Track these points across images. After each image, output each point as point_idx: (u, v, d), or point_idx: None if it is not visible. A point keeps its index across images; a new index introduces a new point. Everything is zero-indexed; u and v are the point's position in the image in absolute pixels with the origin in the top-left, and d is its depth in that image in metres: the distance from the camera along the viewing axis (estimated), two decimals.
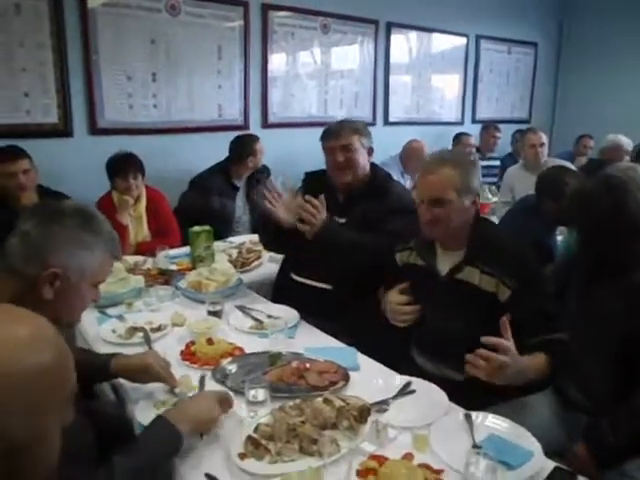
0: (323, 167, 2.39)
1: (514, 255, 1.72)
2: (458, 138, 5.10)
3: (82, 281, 1.29)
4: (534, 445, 1.33)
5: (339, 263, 2.11)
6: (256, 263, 2.72)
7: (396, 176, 4.00)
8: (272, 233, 2.28)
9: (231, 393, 1.53)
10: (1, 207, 2.78)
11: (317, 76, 4.67)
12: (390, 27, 5.00)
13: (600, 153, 4.55)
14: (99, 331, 1.94)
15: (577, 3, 6.27)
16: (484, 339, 1.43)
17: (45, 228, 1.26)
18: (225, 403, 1.41)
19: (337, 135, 2.23)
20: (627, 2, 5.72)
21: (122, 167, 3.06)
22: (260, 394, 1.46)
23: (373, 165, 2.36)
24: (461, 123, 5.80)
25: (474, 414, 1.45)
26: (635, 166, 1.69)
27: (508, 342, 1.45)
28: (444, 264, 1.81)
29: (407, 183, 4.20)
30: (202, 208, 3.36)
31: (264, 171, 3.77)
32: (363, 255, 2.06)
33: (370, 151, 2.30)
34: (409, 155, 4.46)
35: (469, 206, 1.75)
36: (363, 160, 2.26)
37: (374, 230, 2.09)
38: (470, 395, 1.51)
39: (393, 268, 1.99)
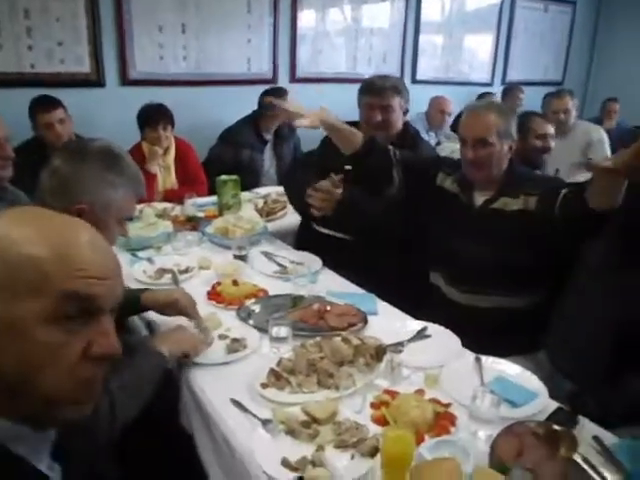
0: (348, 121, 2.42)
1: (542, 178, 1.97)
2: (482, 97, 5.02)
3: (107, 216, 1.38)
4: (540, 387, 1.40)
5: (357, 224, 2.19)
6: (281, 213, 2.79)
7: (422, 134, 4.01)
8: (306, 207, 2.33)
9: (255, 331, 1.64)
10: (40, 155, 2.88)
11: (346, 32, 4.62)
12: None
13: None
14: (131, 271, 2.04)
15: None
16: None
17: (72, 166, 1.35)
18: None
19: (380, 93, 2.26)
20: None
21: (152, 118, 3.12)
22: (283, 331, 1.55)
23: (405, 124, 2.40)
24: (490, 84, 5.70)
25: (484, 358, 1.52)
26: None
27: None
28: (478, 198, 1.93)
29: (432, 141, 4.20)
30: (232, 161, 3.41)
31: (291, 125, 3.80)
32: (379, 218, 2.13)
33: (405, 112, 2.34)
34: (435, 110, 4.49)
35: (507, 152, 1.88)
36: (398, 121, 2.32)
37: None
38: (483, 336, 1.57)
39: (430, 185, 2.06)
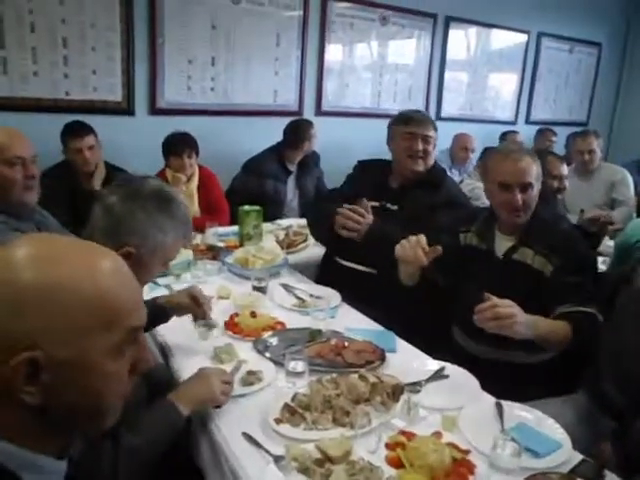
0: (373, 157, 2.47)
1: (563, 235, 1.89)
2: (505, 136, 5.02)
3: (153, 259, 1.38)
4: (563, 437, 1.35)
5: (386, 256, 2.16)
6: (302, 245, 2.79)
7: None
8: (330, 236, 2.35)
9: (271, 364, 1.63)
10: (68, 179, 2.96)
11: (372, 68, 4.69)
12: (449, 21, 4.96)
13: None
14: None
15: None
16: (486, 294, 1.56)
17: (126, 206, 1.34)
18: (226, 377, 1.45)
19: (422, 124, 2.31)
20: None
21: (177, 146, 3.18)
22: (299, 366, 1.53)
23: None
24: (514, 123, 5.71)
25: (505, 403, 1.48)
26: None
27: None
28: (500, 247, 1.92)
29: (455, 178, 4.20)
30: (255, 191, 3.44)
31: (314, 157, 3.84)
32: None
33: (434, 146, 2.38)
34: (458, 146, 4.53)
35: (537, 193, 1.89)
36: (434, 154, 2.36)
37: (424, 219, 2.14)
38: (505, 382, 1.54)
39: (454, 248, 2.03)
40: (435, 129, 2.35)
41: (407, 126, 2.30)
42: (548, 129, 5.33)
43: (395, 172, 2.39)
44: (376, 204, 2.24)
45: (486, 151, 3.93)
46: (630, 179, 3.79)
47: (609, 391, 1.65)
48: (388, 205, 2.30)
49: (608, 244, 2.84)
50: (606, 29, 6.10)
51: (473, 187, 3.44)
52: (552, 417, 1.49)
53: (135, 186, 1.40)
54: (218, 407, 1.41)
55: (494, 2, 5.09)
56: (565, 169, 2.95)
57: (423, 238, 1.80)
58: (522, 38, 5.55)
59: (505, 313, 1.52)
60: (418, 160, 2.29)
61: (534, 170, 1.85)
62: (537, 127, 5.46)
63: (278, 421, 1.36)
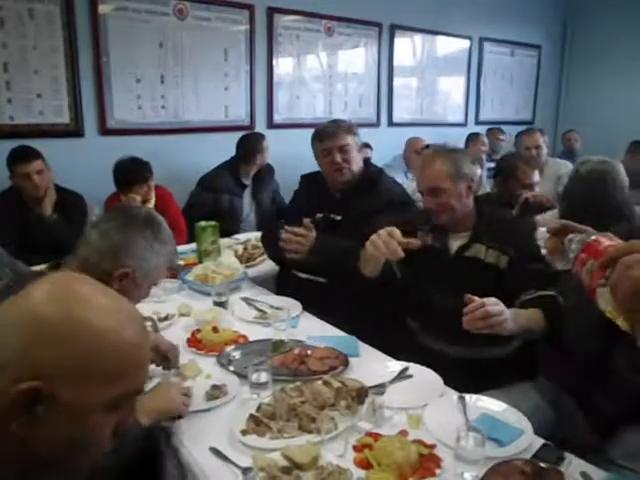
0: (314, 171, 2.49)
1: (514, 227, 1.96)
2: (473, 138, 5.12)
3: (145, 282, 1.46)
4: (525, 424, 1.39)
5: (336, 268, 2.17)
6: (261, 258, 2.78)
7: (400, 176, 4.07)
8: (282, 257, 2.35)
9: (236, 377, 1.62)
10: (17, 206, 2.89)
11: (322, 78, 4.75)
12: (394, 29, 5.07)
13: (632, 146, 4.55)
14: None
15: (581, 5, 6.33)
16: (468, 296, 1.54)
17: (125, 232, 1.42)
18: (184, 389, 1.47)
19: (334, 136, 2.30)
20: (631, 2, 5.77)
21: (133, 179, 3.06)
22: (263, 377, 1.53)
23: (366, 161, 2.46)
24: (465, 124, 5.86)
25: (467, 396, 1.51)
26: (613, 160, 1.83)
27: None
28: (453, 244, 1.95)
29: (413, 183, 4.25)
30: (211, 206, 3.42)
31: (269, 170, 3.85)
32: (355, 259, 2.08)
33: (360, 148, 2.39)
34: (410, 150, 4.57)
35: (465, 191, 1.90)
36: (358, 158, 2.35)
37: (368, 224, 2.14)
38: (466, 377, 1.57)
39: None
40: (352, 133, 2.33)
41: (322, 143, 2.32)
42: (497, 128, 5.50)
43: (330, 184, 2.41)
44: (321, 216, 2.26)
45: None
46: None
47: (562, 375, 1.72)
48: (332, 216, 2.31)
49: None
50: (544, 32, 6.36)
51: None
52: (518, 401, 1.54)
53: (129, 213, 1.49)
54: (180, 418, 1.41)
55: (436, 10, 5.23)
56: (536, 176, 2.78)
57: (396, 230, 1.77)
58: (465, 44, 5.72)
59: (495, 311, 1.51)
60: (343, 171, 2.30)
61: (446, 171, 1.87)
62: (487, 127, 5.62)
63: (244, 432, 1.35)
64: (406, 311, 2.07)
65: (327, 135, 2.32)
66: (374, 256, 1.79)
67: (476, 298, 1.53)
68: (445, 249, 1.95)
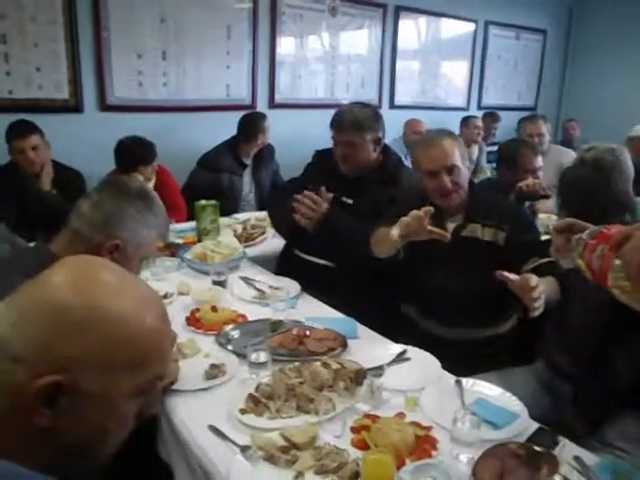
0: (330, 147, 2.45)
1: (506, 206, 2.01)
2: (466, 121, 5.11)
3: (137, 254, 1.44)
4: (520, 408, 1.40)
5: (342, 248, 2.17)
6: (260, 238, 2.78)
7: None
8: (289, 228, 2.36)
9: (234, 356, 1.62)
10: (15, 180, 2.87)
11: (324, 59, 4.70)
12: (398, 11, 5.01)
13: (628, 141, 4.55)
14: None
15: None
16: (499, 273, 1.48)
17: (117, 203, 1.41)
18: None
19: (340, 129, 2.27)
20: None
21: (140, 160, 3.03)
22: (262, 356, 1.53)
23: (386, 149, 2.38)
24: (466, 109, 5.82)
25: (464, 380, 1.52)
26: (620, 147, 1.81)
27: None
28: (449, 226, 1.94)
29: (410, 164, 4.24)
30: (211, 185, 3.40)
31: (270, 150, 3.83)
32: (365, 244, 2.07)
33: (377, 141, 2.30)
34: (410, 132, 4.56)
35: (467, 172, 1.94)
36: (365, 154, 2.28)
37: (378, 214, 2.12)
38: (464, 360, 1.59)
39: None
40: (363, 130, 2.24)
41: (332, 130, 2.31)
42: (491, 114, 5.48)
43: None
44: (331, 196, 2.23)
45: None
46: (574, 156, 3.92)
47: (560, 361, 1.73)
48: (343, 198, 2.28)
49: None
50: (550, 16, 6.28)
51: None
52: (515, 386, 1.56)
53: (122, 184, 1.48)
54: (172, 384, 1.43)
55: None
56: (539, 161, 2.77)
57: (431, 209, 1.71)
58: (470, 27, 5.66)
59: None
60: (344, 163, 2.29)
61: (456, 152, 1.90)
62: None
63: (243, 411, 1.36)
64: (403, 294, 2.08)
65: (337, 126, 2.28)
66: (401, 237, 1.72)
67: (512, 276, 1.47)
68: (444, 230, 1.93)
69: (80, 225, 1.39)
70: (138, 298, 0.72)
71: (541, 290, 1.45)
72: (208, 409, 1.40)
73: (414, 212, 1.70)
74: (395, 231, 1.73)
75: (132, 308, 0.69)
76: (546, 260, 1.74)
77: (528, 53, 6.27)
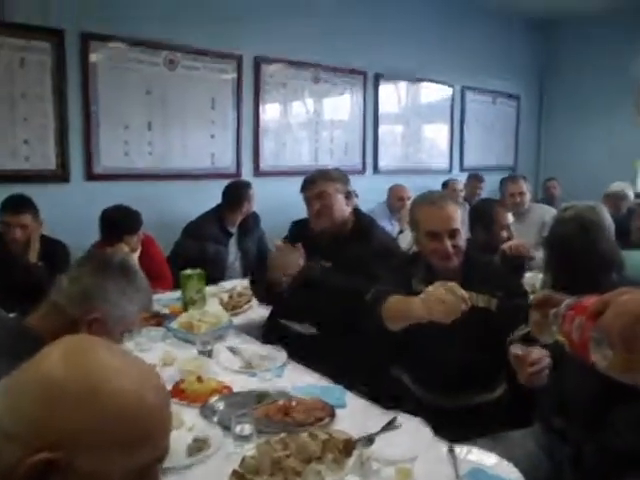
0: (306, 217, 2.50)
1: (498, 271, 2.02)
2: (446, 184, 5.24)
3: (117, 328, 1.42)
4: (517, 476, 1.36)
5: (324, 307, 2.17)
6: (247, 306, 2.75)
7: (384, 223, 4.08)
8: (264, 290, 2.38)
9: (219, 428, 1.57)
10: (4, 252, 2.85)
11: (308, 126, 4.82)
12: (378, 78, 5.20)
13: (604, 198, 4.66)
14: None
15: (556, 63, 6.60)
16: (514, 352, 1.46)
17: (97, 278, 1.40)
18: None
19: (312, 184, 2.35)
20: (599, 66, 6.03)
21: (126, 230, 3.02)
22: (246, 429, 1.48)
23: (357, 210, 2.46)
24: (449, 171, 5.95)
25: (458, 448, 1.48)
26: (599, 205, 1.84)
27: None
28: None
29: (395, 229, 4.28)
30: (197, 255, 3.39)
31: (255, 218, 3.86)
32: (349, 300, 2.07)
33: (348, 195, 2.37)
34: (394, 198, 4.61)
35: (465, 237, 1.93)
36: (339, 205, 2.34)
37: (358, 272, 2.14)
38: (458, 425, 1.55)
39: (408, 293, 1.93)
40: (334, 180, 2.34)
41: (304, 192, 2.38)
42: (474, 176, 5.61)
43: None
44: (310, 263, 2.26)
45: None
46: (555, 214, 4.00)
47: (558, 424, 1.69)
48: (322, 262, 2.30)
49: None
50: (523, 83, 6.58)
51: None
52: (512, 450, 1.53)
53: (102, 258, 1.49)
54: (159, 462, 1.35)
55: (418, 59, 5.38)
56: (523, 187, 2.98)
57: (457, 286, 1.59)
58: (448, 91, 5.88)
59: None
60: (321, 218, 2.32)
61: (459, 215, 1.90)
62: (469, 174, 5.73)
63: None
64: (394, 361, 2.04)
65: (307, 183, 2.37)
66: (421, 316, 1.61)
67: (530, 350, 1.46)
68: None
69: (58, 298, 1.39)
70: (136, 375, 0.69)
71: (543, 365, 1.44)
72: None
73: (441, 288, 1.58)
74: (421, 311, 1.60)
75: (129, 385, 0.67)
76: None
77: (504, 116, 6.50)
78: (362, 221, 2.42)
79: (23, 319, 1.40)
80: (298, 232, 2.50)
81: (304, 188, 2.38)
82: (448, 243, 1.85)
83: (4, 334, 1.27)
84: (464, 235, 1.92)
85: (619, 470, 1.50)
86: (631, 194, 4.68)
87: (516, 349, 1.48)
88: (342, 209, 2.35)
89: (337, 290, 2.12)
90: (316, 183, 2.34)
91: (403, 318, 1.75)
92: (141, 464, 0.67)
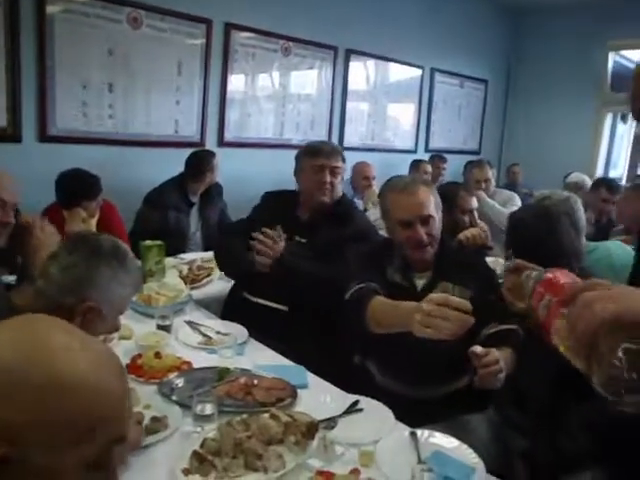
0: (275, 188, 2.48)
1: (474, 262, 1.92)
2: (416, 165, 5.18)
3: (110, 312, 1.40)
4: (477, 461, 1.37)
5: (297, 288, 2.12)
6: (206, 280, 2.68)
7: None
8: (240, 269, 2.29)
9: (178, 407, 1.52)
10: None
11: (275, 98, 4.71)
12: (349, 54, 5.12)
13: (564, 187, 4.75)
14: None
15: (523, 50, 6.66)
16: (472, 349, 1.44)
17: (90, 264, 1.36)
18: (138, 416, 1.40)
19: (331, 155, 2.27)
20: (563, 54, 6.16)
21: (84, 195, 2.84)
22: (207, 408, 1.45)
23: None
24: (414, 151, 5.96)
25: (419, 432, 1.48)
26: (574, 197, 1.83)
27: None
28: (418, 282, 1.85)
29: (360, 207, 4.24)
30: (158, 223, 3.30)
31: (217, 188, 3.77)
32: (322, 285, 2.04)
33: (342, 178, 2.37)
34: (358, 176, 4.55)
35: (440, 224, 1.86)
36: (340, 186, 2.33)
37: (334, 254, 2.11)
38: (419, 413, 1.54)
39: (382, 282, 1.85)
40: (343, 160, 2.34)
41: (316, 158, 2.27)
42: (438, 156, 5.63)
43: (303, 204, 2.37)
44: (284, 236, 2.20)
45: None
46: (518, 200, 4.06)
47: (512, 414, 1.71)
48: (297, 238, 2.26)
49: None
50: (490, 68, 6.61)
51: (377, 217, 3.46)
52: (468, 435, 1.53)
53: (94, 243, 1.43)
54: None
55: (390, 39, 5.32)
56: (475, 202, 2.89)
57: (451, 298, 1.38)
58: (417, 72, 5.84)
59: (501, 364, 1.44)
60: (325, 192, 2.26)
61: (432, 201, 1.82)
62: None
63: (187, 472, 1.26)
64: (358, 346, 2.01)
65: (324, 152, 2.28)
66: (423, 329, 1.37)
67: (488, 350, 1.44)
68: (412, 287, 1.83)
69: (46, 287, 1.34)
70: (90, 359, 0.66)
71: (497, 367, 1.43)
72: (148, 469, 1.28)
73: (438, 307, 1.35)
74: (419, 330, 1.37)
75: (82, 370, 0.63)
76: (505, 327, 1.68)
77: (472, 100, 6.54)
78: (343, 202, 2.38)
79: (8, 295, 1.37)
80: (272, 204, 2.42)
81: (318, 155, 2.27)
82: (422, 231, 1.77)
83: None
84: (439, 221, 1.84)
85: (568, 469, 1.51)
86: (589, 185, 4.79)
87: (475, 348, 1.45)
88: (339, 190, 2.33)
89: (309, 270, 2.08)
90: (334, 156, 2.28)
91: (391, 326, 1.59)
92: (98, 451, 0.64)
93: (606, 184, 4.03)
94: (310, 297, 2.07)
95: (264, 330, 2.07)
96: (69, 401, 0.61)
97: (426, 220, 1.79)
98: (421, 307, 1.36)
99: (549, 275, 0.99)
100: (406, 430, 1.49)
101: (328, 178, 2.25)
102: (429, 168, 5.20)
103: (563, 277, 0.96)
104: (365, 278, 1.79)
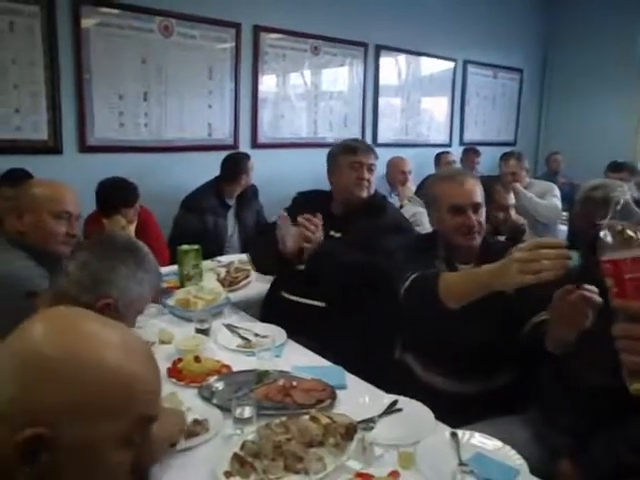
0: (310, 188, 2.51)
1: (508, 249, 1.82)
2: (439, 157, 5.17)
3: (129, 311, 1.40)
4: (520, 462, 1.34)
5: (337, 281, 2.14)
6: (244, 282, 2.70)
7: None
8: (273, 259, 2.33)
9: (218, 410, 1.54)
10: None
11: (307, 97, 4.72)
12: (379, 50, 5.09)
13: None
14: None
15: (560, 35, 6.48)
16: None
17: (107, 262, 1.37)
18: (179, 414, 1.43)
19: (367, 153, 2.35)
20: (604, 37, 5.94)
21: (123, 202, 2.93)
22: (247, 411, 1.46)
23: None
24: (449, 145, 5.87)
25: (460, 432, 1.46)
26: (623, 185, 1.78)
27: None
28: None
29: (396, 204, 4.21)
30: (196, 228, 3.36)
31: (253, 190, 3.80)
32: (361, 275, 2.09)
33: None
34: (395, 171, 4.51)
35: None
36: (375, 181, 2.40)
37: (369, 246, 2.14)
38: (456, 410, 1.52)
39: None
40: (377, 157, 2.41)
41: (355, 155, 2.32)
42: (471, 149, 5.54)
43: (337, 200, 2.40)
44: (337, 234, 2.25)
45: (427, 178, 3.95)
46: (557, 190, 3.96)
47: (563, 420, 1.65)
48: (332, 233, 2.29)
49: None
50: (526, 57, 6.47)
51: (414, 212, 3.43)
52: (508, 435, 1.48)
53: (108, 240, 1.45)
54: (173, 446, 1.34)
55: (420, 32, 5.27)
56: (512, 198, 2.78)
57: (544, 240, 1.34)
58: (449, 65, 5.76)
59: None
60: (363, 188, 2.31)
61: (479, 190, 1.86)
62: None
63: (228, 475, 1.27)
64: (402, 342, 2.00)
65: (362, 150, 2.35)
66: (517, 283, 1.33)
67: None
68: None
69: (67, 285, 1.35)
70: (120, 344, 0.69)
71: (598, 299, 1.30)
72: (190, 472, 1.31)
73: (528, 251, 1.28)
74: (519, 277, 1.29)
75: (114, 355, 0.67)
76: (539, 323, 1.63)
77: (506, 91, 6.41)
78: (376, 196, 2.42)
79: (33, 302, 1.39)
80: (305, 202, 2.44)
81: (356, 153, 2.33)
82: (473, 217, 1.80)
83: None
84: (484, 212, 1.86)
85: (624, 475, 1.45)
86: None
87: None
88: (374, 187, 2.39)
89: (347, 262, 2.09)
90: (370, 153, 2.35)
91: (470, 294, 1.55)
92: (129, 428, 0.66)
93: None
94: (351, 290, 2.09)
95: (302, 328, 2.07)
96: (98, 379, 0.64)
97: (477, 207, 1.82)
98: (515, 257, 1.31)
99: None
100: (446, 431, 1.47)
101: (366, 175, 2.30)
102: (451, 157, 5.15)
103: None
104: (417, 269, 1.78)
